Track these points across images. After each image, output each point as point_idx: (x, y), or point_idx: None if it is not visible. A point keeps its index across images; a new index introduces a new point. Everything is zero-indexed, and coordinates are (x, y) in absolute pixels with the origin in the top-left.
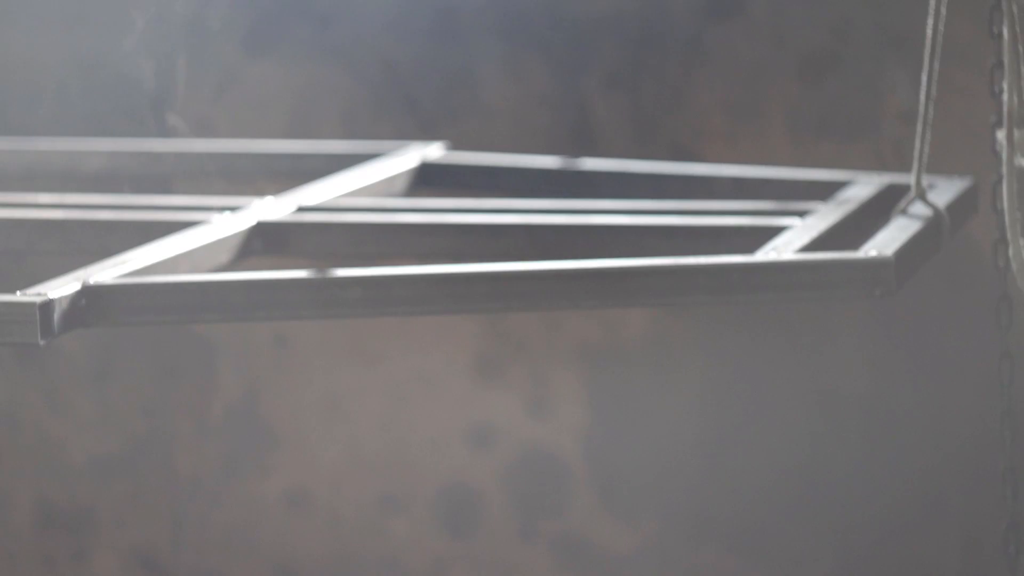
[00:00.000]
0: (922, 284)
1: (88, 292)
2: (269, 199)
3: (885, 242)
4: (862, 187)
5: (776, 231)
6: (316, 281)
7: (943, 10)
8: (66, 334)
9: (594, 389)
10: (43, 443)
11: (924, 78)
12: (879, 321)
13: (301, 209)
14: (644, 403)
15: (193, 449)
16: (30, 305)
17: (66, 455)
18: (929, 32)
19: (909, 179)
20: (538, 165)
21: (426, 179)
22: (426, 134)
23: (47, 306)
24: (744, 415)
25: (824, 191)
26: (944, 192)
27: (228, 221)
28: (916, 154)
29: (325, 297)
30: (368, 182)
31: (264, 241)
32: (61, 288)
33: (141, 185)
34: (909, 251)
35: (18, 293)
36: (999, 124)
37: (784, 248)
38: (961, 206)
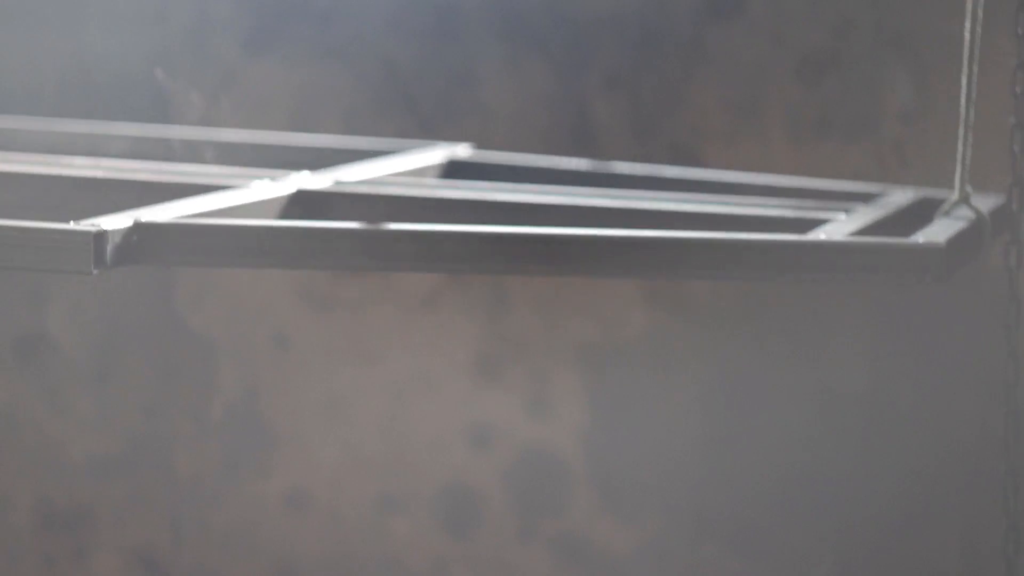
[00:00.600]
0: (922, 284)
1: (140, 229)
2: (306, 173)
3: (934, 232)
4: (897, 196)
5: (821, 223)
6: (370, 233)
7: (980, 12)
8: (118, 268)
9: (594, 389)
10: (43, 443)
11: (964, 81)
12: (879, 321)
13: (339, 183)
14: (644, 403)
15: (193, 449)
16: (85, 234)
17: (66, 455)
18: (967, 35)
19: (942, 194)
20: (568, 167)
21: (453, 177)
22: (426, 134)
23: (101, 237)
24: (744, 415)
25: (857, 201)
26: (982, 203)
27: (268, 187)
28: (959, 157)
29: (378, 249)
30: (397, 171)
31: (303, 209)
32: (115, 222)
33: None
34: (958, 243)
35: (72, 223)
36: (1020, 126)
37: (834, 233)
38: (997, 218)
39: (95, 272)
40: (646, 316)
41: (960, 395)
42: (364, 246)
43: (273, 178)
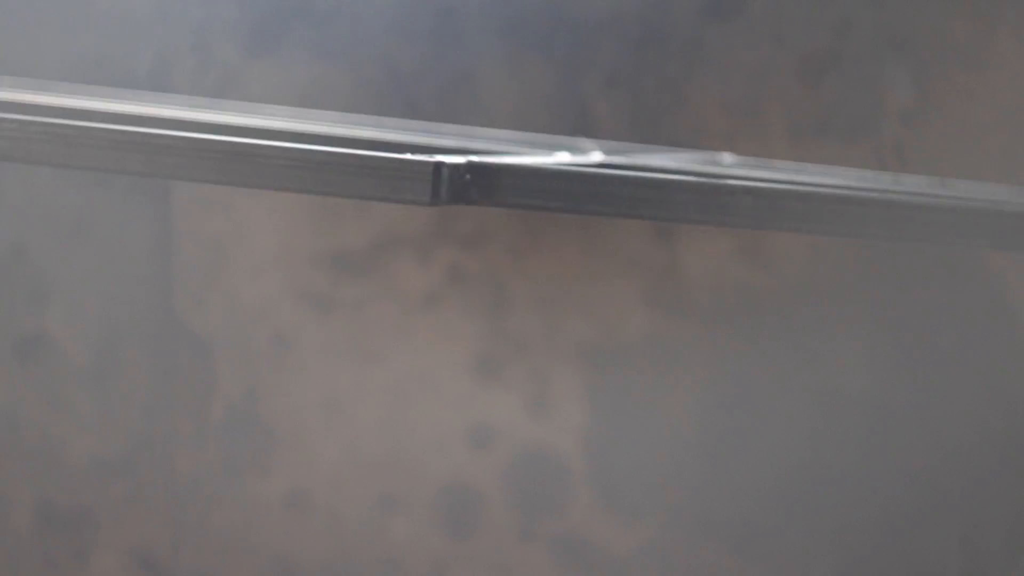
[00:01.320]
0: (922, 283)
1: (473, 168)
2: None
3: None
4: None
5: None
6: (706, 185)
7: None
8: (452, 205)
9: (594, 389)
10: (43, 443)
11: None
12: (879, 321)
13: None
14: (644, 403)
15: (193, 449)
16: (425, 164)
17: (66, 455)
18: None
19: None
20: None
21: None
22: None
23: (439, 168)
24: (744, 415)
25: None
26: None
27: (571, 158)
28: None
29: (714, 202)
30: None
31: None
32: (449, 157)
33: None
34: None
35: (408, 154)
36: None
37: None
38: None
39: (431, 203)
40: (646, 316)
41: (959, 395)
42: (701, 199)
43: (571, 151)
